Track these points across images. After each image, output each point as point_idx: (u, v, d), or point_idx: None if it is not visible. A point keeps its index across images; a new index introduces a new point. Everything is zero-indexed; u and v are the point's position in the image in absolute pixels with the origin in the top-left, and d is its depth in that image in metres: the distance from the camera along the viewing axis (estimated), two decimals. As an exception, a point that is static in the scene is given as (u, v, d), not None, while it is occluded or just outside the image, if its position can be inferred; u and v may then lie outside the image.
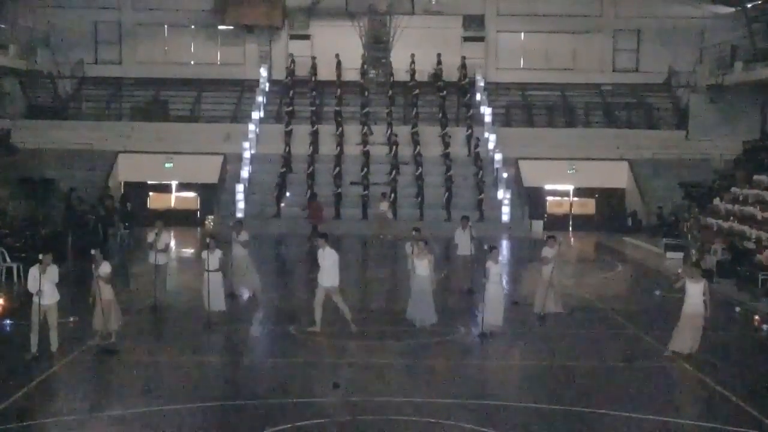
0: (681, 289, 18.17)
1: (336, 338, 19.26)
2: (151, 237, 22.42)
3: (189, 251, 36.87)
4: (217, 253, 20.02)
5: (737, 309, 23.29)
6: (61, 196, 37.84)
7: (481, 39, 49.16)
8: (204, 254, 20.14)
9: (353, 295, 25.91)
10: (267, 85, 48.10)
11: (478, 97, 47.42)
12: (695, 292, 17.73)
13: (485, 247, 21.34)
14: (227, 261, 21.54)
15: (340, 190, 41.56)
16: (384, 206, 39.57)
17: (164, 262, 22.70)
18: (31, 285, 17.21)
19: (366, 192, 41.48)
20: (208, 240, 20.68)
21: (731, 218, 33.05)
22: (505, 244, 37.92)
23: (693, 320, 17.74)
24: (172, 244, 22.69)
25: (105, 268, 17.91)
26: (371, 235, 38.41)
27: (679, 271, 21.75)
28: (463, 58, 47.71)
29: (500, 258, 20.20)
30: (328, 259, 19.34)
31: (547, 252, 21.67)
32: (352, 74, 47.50)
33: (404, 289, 27.75)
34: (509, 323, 21.40)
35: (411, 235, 22.39)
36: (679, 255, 32.94)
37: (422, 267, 20.12)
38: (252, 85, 48.45)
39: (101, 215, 35.33)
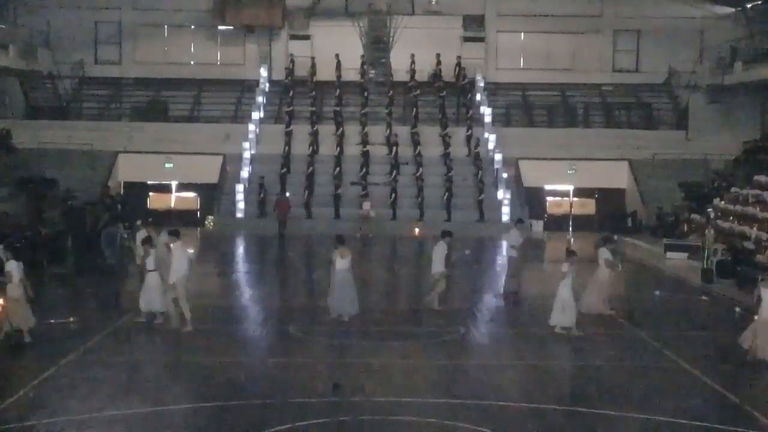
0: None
1: (336, 338, 19.27)
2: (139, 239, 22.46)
3: (189, 251, 36.87)
4: (153, 254, 20.03)
5: (737, 309, 23.26)
6: (62, 196, 37.85)
7: (481, 39, 49.14)
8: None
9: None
10: (267, 85, 48.08)
11: (478, 97, 47.42)
12: None
13: (569, 248, 21.59)
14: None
15: (339, 191, 41.53)
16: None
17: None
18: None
19: (365, 192, 41.53)
20: (145, 243, 20.78)
21: (731, 218, 33.04)
22: (504, 245, 37.95)
23: None
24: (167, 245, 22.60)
25: (8, 266, 17.93)
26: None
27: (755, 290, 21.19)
28: (459, 57, 47.74)
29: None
30: (175, 255, 19.53)
31: (605, 254, 21.66)
32: (352, 74, 47.50)
33: (406, 289, 27.85)
34: (510, 323, 21.47)
35: (437, 237, 22.40)
36: (681, 255, 32.91)
37: (343, 263, 20.38)
38: (252, 85, 48.45)
39: (99, 215, 35.28)
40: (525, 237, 25.14)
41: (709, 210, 34.63)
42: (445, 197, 41.32)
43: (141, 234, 22.20)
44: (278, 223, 39.09)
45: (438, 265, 21.88)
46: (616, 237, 23.23)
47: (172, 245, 19.74)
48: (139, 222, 23.24)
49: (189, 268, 19.71)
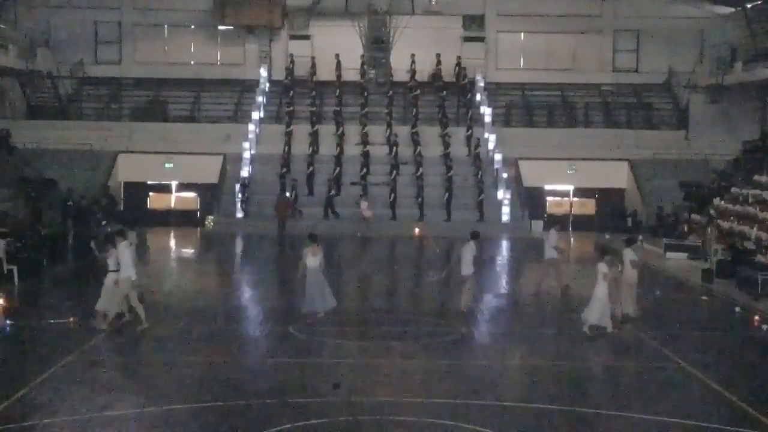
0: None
1: (336, 338, 19.28)
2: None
3: (190, 251, 36.94)
4: (113, 253, 20.11)
5: (737, 309, 23.28)
6: (62, 196, 37.86)
7: (481, 39, 49.14)
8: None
9: (354, 295, 25.95)
10: (267, 85, 48.08)
11: (478, 97, 47.41)
12: None
13: (607, 248, 21.75)
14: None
15: (332, 192, 41.36)
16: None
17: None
18: None
19: (363, 192, 41.42)
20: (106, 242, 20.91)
21: (731, 218, 33.05)
22: (504, 244, 38.00)
23: None
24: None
25: None
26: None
27: None
28: (459, 57, 47.76)
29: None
30: (121, 255, 19.61)
31: (630, 255, 21.50)
32: (352, 74, 47.49)
33: (405, 290, 27.85)
34: (510, 323, 21.47)
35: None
36: (681, 255, 32.92)
37: (314, 260, 20.88)
38: (252, 85, 48.43)
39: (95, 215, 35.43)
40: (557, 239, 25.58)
41: (711, 211, 34.67)
42: (445, 197, 41.29)
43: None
44: (278, 223, 39.08)
45: (468, 267, 21.85)
46: (640, 237, 23.09)
47: (119, 245, 19.76)
48: (104, 222, 23.29)
49: (134, 266, 19.73)
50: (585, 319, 19.73)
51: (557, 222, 27.46)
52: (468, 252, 21.84)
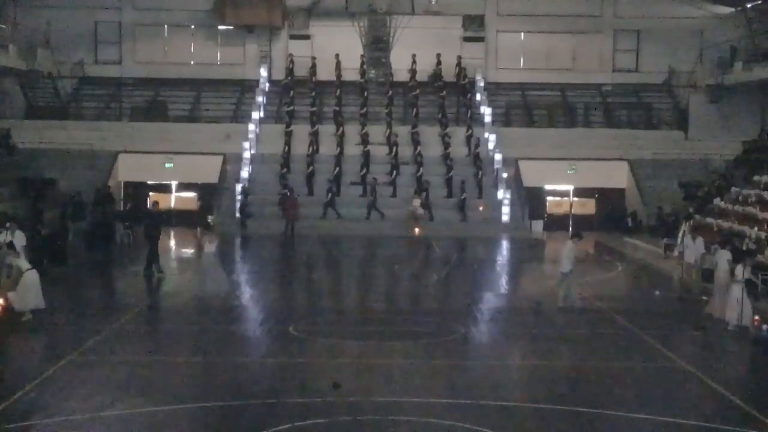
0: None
1: (336, 338, 19.27)
2: (2, 238, 22.32)
3: (189, 251, 36.87)
4: (23, 254, 20.26)
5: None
6: (61, 196, 37.82)
7: (481, 39, 49.16)
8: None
9: (354, 295, 25.96)
10: (267, 85, 48.10)
11: (478, 97, 47.43)
12: None
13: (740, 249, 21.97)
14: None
15: (373, 195, 41.27)
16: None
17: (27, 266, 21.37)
18: None
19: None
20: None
21: (731, 218, 33.04)
22: (505, 245, 38.01)
23: None
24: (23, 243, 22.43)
25: None
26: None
27: None
28: (459, 57, 47.78)
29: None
30: None
31: (740, 271, 21.05)
32: (352, 74, 47.53)
33: (406, 290, 27.87)
34: (509, 323, 21.47)
35: None
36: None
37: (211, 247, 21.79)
38: (252, 85, 48.46)
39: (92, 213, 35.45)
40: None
41: (690, 209, 34.84)
42: (444, 197, 41.21)
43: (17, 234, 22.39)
44: (286, 224, 38.79)
45: (567, 264, 22.38)
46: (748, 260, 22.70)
47: None
48: (9, 224, 23.20)
49: None
50: (728, 320, 20.12)
51: (695, 229, 27.79)
52: (567, 250, 22.42)
